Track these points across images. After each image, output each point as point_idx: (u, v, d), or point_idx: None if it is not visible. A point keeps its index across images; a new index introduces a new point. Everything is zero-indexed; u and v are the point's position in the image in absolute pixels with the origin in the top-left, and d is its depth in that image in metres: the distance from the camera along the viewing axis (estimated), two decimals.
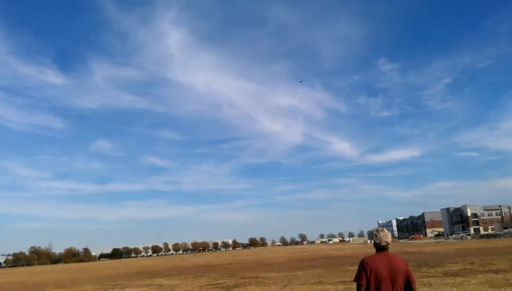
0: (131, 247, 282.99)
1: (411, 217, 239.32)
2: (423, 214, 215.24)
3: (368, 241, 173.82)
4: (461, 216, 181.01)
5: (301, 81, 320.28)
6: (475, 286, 17.15)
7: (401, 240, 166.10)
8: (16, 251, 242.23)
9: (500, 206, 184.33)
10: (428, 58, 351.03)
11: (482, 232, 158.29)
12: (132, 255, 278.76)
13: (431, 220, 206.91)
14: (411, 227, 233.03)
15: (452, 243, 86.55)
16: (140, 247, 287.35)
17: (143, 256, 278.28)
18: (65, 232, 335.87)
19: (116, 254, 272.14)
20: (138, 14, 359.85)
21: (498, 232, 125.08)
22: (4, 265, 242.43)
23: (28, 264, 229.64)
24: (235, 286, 24.03)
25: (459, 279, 19.56)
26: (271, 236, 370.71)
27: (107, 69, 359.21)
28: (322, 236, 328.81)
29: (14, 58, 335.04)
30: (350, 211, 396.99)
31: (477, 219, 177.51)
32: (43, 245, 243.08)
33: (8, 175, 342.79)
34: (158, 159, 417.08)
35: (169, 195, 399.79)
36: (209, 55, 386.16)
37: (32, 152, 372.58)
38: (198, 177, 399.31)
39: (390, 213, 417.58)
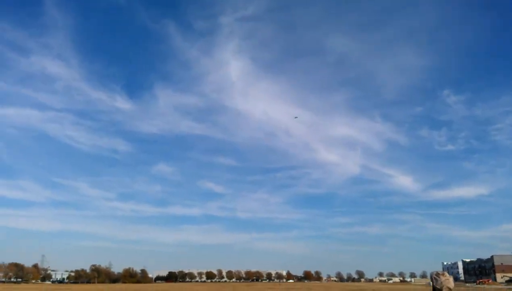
0: (186, 271, 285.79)
1: (479, 260, 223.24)
2: (492, 257, 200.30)
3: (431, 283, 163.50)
4: None
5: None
6: None
7: (467, 284, 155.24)
8: (78, 268, 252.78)
9: None
10: (497, 91, 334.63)
11: None
12: (187, 279, 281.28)
13: (502, 264, 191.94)
14: (479, 270, 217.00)
15: None
16: (195, 272, 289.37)
17: (197, 281, 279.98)
18: (125, 251, 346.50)
19: (171, 277, 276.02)
20: (201, 44, 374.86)
21: None
22: (66, 281, 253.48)
23: (89, 282, 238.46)
24: None
25: None
26: (326, 270, 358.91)
27: (171, 95, 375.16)
28: (381, 274, 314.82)
29: (87, 84, 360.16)
30: (411, 249, 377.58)
31: None
32: (103, 263, 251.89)
33: (76, 194, 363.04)
34: (214, 185, 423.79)
35: (224, 221, 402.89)
36: (268, 83, 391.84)
37: (98, 173, 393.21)
38: (252, 204, 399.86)
39: (456, 254, 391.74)
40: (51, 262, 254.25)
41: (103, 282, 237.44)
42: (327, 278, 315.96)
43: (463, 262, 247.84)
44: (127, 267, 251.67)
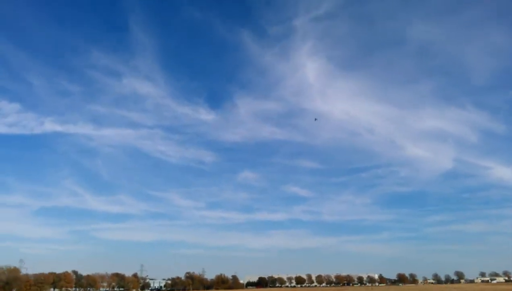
0: (275, 276, 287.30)
1: None
2: None
3: None
4: None
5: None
6: None
7: None
8: (174, 276, 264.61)
9: None
10: None
11: None
12: (277, 284, 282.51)
13: None
14: None
15: None
16: (284, 277, 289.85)
17: (287, 286, 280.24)
18: (216, 258, 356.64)
19: (261, 282, 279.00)
20: (277, 49, 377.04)
21: None
22: (164, 289, 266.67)
23: (184, 289, 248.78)
24: None
25: None
26: (422, 272, 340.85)
27: (250, 103, 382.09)
28: (483, 274, 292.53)
29: (173, 100, 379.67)
30: None
31: None
32: (197, 270, 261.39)
33: (169, 205, 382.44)
34: (299, 189, 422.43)
35: (310, 225, 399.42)
36: (346, 81, 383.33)
37: (187, 184, 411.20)
38: (338, 207, 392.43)
39: None
40: (149, 271, 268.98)
41: (197, 289, 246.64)
42: (423, 280, 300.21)
43: None
44: (219, 273, 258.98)
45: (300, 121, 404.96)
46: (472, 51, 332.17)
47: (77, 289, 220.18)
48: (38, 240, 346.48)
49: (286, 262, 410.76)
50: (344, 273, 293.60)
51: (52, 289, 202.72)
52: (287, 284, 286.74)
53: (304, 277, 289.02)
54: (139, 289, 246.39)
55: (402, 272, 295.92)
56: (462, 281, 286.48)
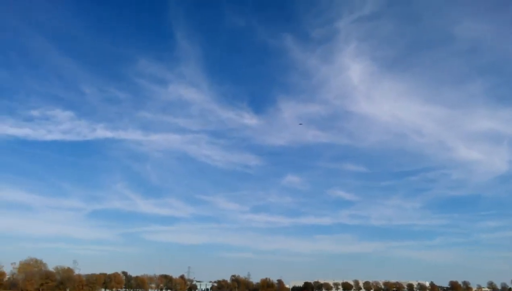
0: (321, 281, 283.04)
1: None
2: None
3: None
4: None
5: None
6: None
7: None
8: (220, 278, 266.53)
9: None
10: None
11: None
12: (323, 290, 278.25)
13: None
14: None
15: None
16: (331, 283, 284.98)
17: None
18: (262, 262, 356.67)
19: (307, 287, 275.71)
20: (320, 52, 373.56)
21: None
22: None
23: None
24: None
25: None
26: (476, 280, 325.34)
27: (294, 107, 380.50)
28: None
29: (218, 105, 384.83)
30: None
31: None
32: (242, 274, 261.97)
33: (215, 209, 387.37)
34: (344, 192, 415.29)
35: (357, 229, 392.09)
36: (392, 82, 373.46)
37: (233, 187, 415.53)
38: (386, 211, 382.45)
39: None
40: (196, 273, 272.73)
41: None
42: (477, 288, 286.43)
43: None
44: (264, 277, 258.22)
45: (345, 124, 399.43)
46: None
47: (127, 290, 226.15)
48: (91, 242, 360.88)
49: (332, 267, 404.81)
50: (393, 280, 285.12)
51: (103, 290, 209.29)
52: (334, 289, 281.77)
53: (351, 283, 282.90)
54: (186, 290, 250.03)
55: (454, 279, 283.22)
56: None
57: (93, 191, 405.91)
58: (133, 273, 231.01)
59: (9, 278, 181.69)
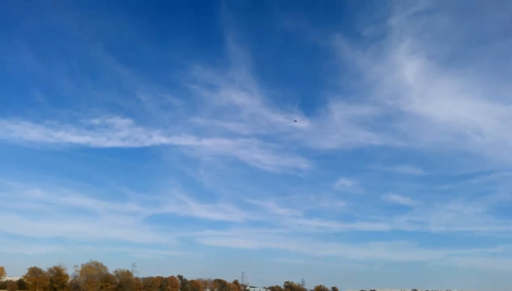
0: (378, 290, 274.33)
1: None
2: None
3: None
4: None
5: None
6: None
7: None
8: (273, 284, 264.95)
9: None
10: None
11: None
12: None
13: None
14: None
15: None
16: None
17: None
18: (315, 268, 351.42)
19: None
20: (372, 51, 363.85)
21: None
22: None
23: None
24: None
25: None
26: None
27: (345, 109, 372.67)
28: None
29: (268, 109, 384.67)
30: None
31: None
32: (295, 280, 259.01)
33: (267, 213, 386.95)
34: (400, 197, 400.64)
35: (414, 236, 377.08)
36: (450, 79, 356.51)
37: (284, 192, 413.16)
38: (446, 217, 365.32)
39: None
40: (249, 278, 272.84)
41: None
42: None
43: None
44: (318, 284, 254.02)
45: (399, 125, 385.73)
46: None
47: None
48: (148, 246, 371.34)
49: (389, 276, 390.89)
50: (454, 289, 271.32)
51: None
52: None
53: None
54: None
55: None
56: None
57: (150, 196, 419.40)
58: (188, 276, 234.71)
59: (71, 280, 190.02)
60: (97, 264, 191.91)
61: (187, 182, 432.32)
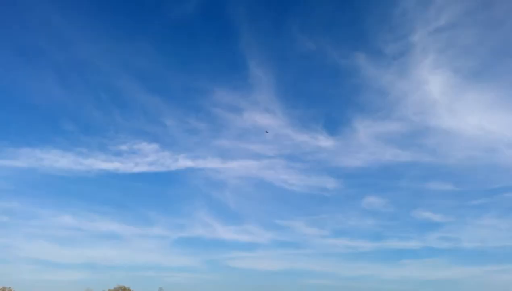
0: None
1: None
2: None
3: None
4: None
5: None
6: None
7: None
8: None
9: None
10: None
11: None
12: None
13: None
14: None
15: None
16: None
17: None
18: (346, 289, 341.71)
19: None
20: (395, 68, 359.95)
21: None
22: None
23: None
24: None
25: None
26: None
27: (370, 126, 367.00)
28: None
29: (292, 129, 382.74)
30: None
31: None
32: None
33: (294, 234, 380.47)
34: (431, 213, 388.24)
35: (447, 253, 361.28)
36: (477, 92, 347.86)
37: (311, 211, 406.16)
38: (479, 232, 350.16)
39: None
40: None
41: None
42: None
43: None
44: None
45: (427, 141, 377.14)
46: None
47: None
48: (176, 269, 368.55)
49: None
50: None
51: None
52: None
53: None
54: None
55: None
56: None
57: (177, 219, 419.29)
58: None
59: None
60: (124, 288, 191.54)
61: (213, 205, 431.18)
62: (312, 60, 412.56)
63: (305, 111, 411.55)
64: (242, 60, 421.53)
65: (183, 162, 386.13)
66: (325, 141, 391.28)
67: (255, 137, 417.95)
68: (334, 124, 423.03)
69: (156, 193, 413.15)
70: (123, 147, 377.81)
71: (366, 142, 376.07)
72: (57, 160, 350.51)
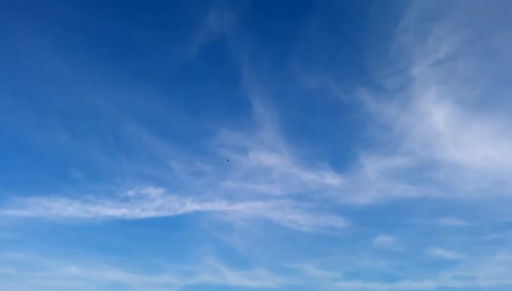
0: None
1: None
2: None
3: None
4: None
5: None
6: None
7: None
8: None
9: None
10: None
11: None
12: None
13: None
14: None
15: None
16: None
17: None
18: None
19: None
20: (397, 102, 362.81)
21: None
22: None
23: None
24: None
25: None
26: None
27: (377, 162, 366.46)
28: None
29: (298, 168, 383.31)
30: None
31: None
32: None
33: (305, 277, 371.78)
34: (444, 251, 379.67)
35: None
36: (482, 123, 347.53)
37: (321, 253, 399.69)
38: (495, 269, 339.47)
39: None
40: None
41: None
42: None
43: None
44: None
45: (435, 175, 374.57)
46: None
47: None
48: None
49: None
50: None
51: None
52: None
53: None
54: None
55: None
56: None
57: (185, 265, 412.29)
58: None
59: None
60: None
61: (221, 248, 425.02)
62: (315, 97, 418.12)
63: (311, 149, 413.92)
64: (245, 100, 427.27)
65: (190, 206, 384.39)
66: (332, 179, 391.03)
67: (261, 177, 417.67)
68: (340, 161, 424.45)
69: (164, 239, 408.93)
70: (130, 192, 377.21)
71: (374, 178, 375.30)
72: (64, 208, 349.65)
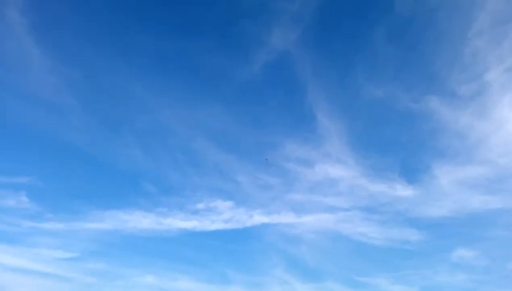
0: None
1: None
2: None
3: None
4: None
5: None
6: None
7: None
8: None
9: None
10: None
11: None
12: None
13: None
14: None
15: None
16: None
17: None
18: None
19: None
20: (472, 109, 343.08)
21: None
22: None
23: None
24: None
25: None
26: None
27: (451, 172, 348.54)
28: None
29: (366, 180, 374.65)
30: None
31: None
32: None
33: None
34: None
35: None
36: None
37: (395, 267, 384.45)
38: None
39: None
40: None
41: None
42: None
43: None
44: None
45: None
46: None
47: None
48: None
49: None
50: None
51: None
52: None
53: None
54: None
55: None
56: None
57: (254, 277, 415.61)
58: None
59: None
60: None
61: (289, 261, 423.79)
62: (382, 107, 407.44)
63: (379, 159, 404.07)
64: (310, 114, 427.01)
65: (258, 218, 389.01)
66: (403, 191, 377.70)
67: (329, 189, 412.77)
68: (411, 172, 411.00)
69: (232, 250, 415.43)
70: (200, 205, 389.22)
71: (449, 189, 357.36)
72: (140, 220, 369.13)
